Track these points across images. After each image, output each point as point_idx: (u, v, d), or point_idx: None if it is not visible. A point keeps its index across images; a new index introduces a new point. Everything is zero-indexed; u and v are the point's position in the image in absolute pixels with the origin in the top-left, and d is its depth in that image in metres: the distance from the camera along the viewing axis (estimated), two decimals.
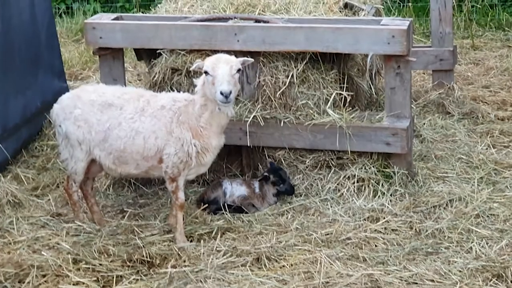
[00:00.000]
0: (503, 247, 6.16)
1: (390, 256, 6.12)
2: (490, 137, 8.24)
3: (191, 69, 6.26)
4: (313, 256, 6.09)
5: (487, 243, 6.22)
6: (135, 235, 6.57)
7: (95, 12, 14.76)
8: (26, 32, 8.36)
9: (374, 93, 7.71)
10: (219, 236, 6.52)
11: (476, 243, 6.22)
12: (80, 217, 6.78)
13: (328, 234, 6.49)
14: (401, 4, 13.55)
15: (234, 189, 7.01)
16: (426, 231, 6.47)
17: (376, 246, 6.31)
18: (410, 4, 13.39)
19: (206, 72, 6.08)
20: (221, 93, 5.94)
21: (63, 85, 9.08)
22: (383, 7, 8.37)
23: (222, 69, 6.02)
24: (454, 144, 8.04)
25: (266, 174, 7.04)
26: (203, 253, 6.25)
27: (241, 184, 7.04)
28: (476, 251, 6.12)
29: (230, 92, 5.93)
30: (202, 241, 6.48)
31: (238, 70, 6.13)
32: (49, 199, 7.36)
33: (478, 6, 13.67)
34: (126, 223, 6.79)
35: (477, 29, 12.82)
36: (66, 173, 6.74)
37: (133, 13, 14.20)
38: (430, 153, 7.76)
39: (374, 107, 7.99)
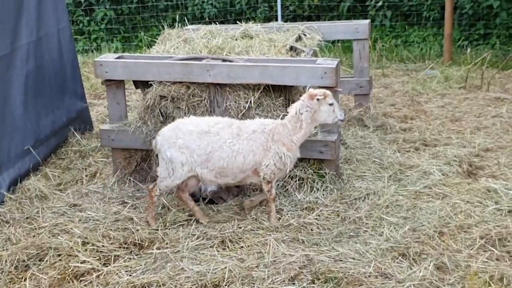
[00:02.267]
0: (406, 231, 5.54)
1: (322, 239, 5.50)
2: (396, 144, 7.62)
3: (317, 97, 5.63)
4: (264, 239, 5.48)
5: (394, 228, 5.60)
6: (131, 223, 5.92)
7: (117, 49, 14.22)
8: (55, 67, 7.67)
9: None
10: (194, 223, 5.87)
11: (386, 228, 5.61)
12: (151, 216, 5.93)
13: (279, 217, 5.86)
14: (333, 45, 12.95)
15: (208, 186, 6.33)
16: (349, 218, 5.84)
17: (312, 230, 5.68)
18: (339, 44, 12.85)
19: (332, 104, 5.71)
20: (344, 114, 5.89)
21: (83, 105, 8.36)
22: (318, 48, 7.73)
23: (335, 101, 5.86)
24: (370, 150, 7.39)
25: None
26: (182, 237, 5.62)
27: None
28: (386, 235, 5.50)
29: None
30: (181, 227, 5.83)
31: None
32: (68, 193, 6.67)
33: (387, 45, 13.21)
34: (125, 214, 6.11)
35: (386, 62, 12.21)
36: (158, 183, 5.88)
37: (143, 50, 13.60)
38: (352, 157, 7.12)
39: None
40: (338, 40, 12.96)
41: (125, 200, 6.45)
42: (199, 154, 5.67)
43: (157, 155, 6.04)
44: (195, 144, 5.67)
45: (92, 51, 14.31)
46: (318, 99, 5.66)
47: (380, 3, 13.84)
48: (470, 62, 11.19)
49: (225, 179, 5.78)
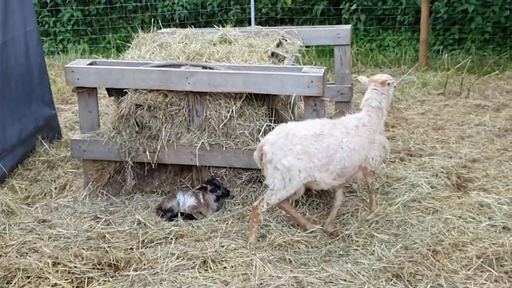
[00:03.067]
0: (398, 250, 5.23)
1: (311, 258, 5.16)
2: None
3: (388, 82, 5.70)
4: (249, 259, 5.11)
5: (386, 246, 5.29)
6: (105, 241, 5.52)
7: (84, 51, 13.72)
8: (21, 72, 7.20)
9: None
10: (173, 241, 5.48)
11: (377, 246, 5.29)
12: (254, 235, 5.43)
13: (260, 236, 5.51)
14: (307, 48, 12.65)
15: (186, 200, 5.98)
16: (338, 235, 5.51)
17: (299, 248, 5.33)
18: (313, 47, 12.57)
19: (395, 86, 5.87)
20: None
21: (52, 112, 7.89)
22: (300, 54, 7.40)
23: None
24: None
25: (203, 185, 6.03)
26: (160, 257, 5.22)
27: (190, 195, 6.02)
28: (378, 253, 5.18)
29: None
30: (159, 245, 5.44)
31: None
32: (37, 207, 6.24)
33: (362, 50, 12.98)
34: (98, 231, 5.70)
35: (361, 66, 11.95)
36: (268, 197, 5.38)
37: (111, 52, 13.15)
38: None
39: None
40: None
41: (98, 215, 6.06)
42: (320, 157, 5.33)
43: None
44: (315, 148, 5.31)
45: (58, 53, 13.83)
46: (389, 84, 5.69)
47: (354, 7, 13.61)
48: (447, 68, 11.01)
49: (341, 180, 5.53)
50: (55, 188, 6.62)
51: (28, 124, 7.27)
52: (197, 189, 6.06)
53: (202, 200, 6.00)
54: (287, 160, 5.24)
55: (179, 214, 5.91)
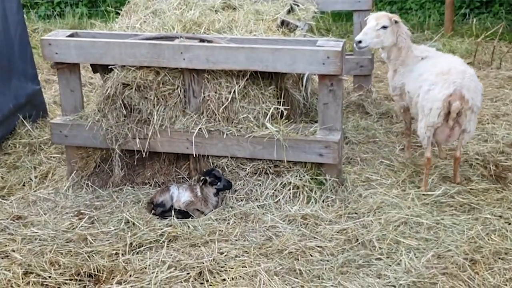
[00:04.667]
0: (429, 259, 4.46)
1: (325, 269, 4.41)
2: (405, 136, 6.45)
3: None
4: (253, 269, 4.38)
5: (415, 255, 4.51)
6: (86, 244, 4.78)
7: (82, 15, 12.85)
8: None
9: (307, 101, 5.95)
10: (165, 245, 4.73)
11: (404, 255, 4.52)
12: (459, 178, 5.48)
13: (266, 240, 4.76)
14: (323, 14, 11.69)
15: (180, 195, 5.23)
16: (357, 240, 4.72)
17: (311, 256, 4.57)
18: (329, 11, 11.59)
19: None
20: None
21: (36, 87, 7.06)
22: (314, 23, 6.53)
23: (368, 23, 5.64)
24: (375, 146, 6.25)
25: (202, 177, 5.22)
26: (149, 265, 4.50)
27: (186, 189, 5.26)
28: (405, 264, 4.42)
29: (359, 41, 5.61)
30: (149, 251, 4.69)
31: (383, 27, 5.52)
32: (12, 201, 5.51)
33: None
34: (79, 232, 4.95)
35: None
36: (463, 142, 5.36)
37: (112, 16, 12.27)
38: (355, 156, 5.97)
39: (306, 111, 6.21)
40: None
41: (82, 211, 5.32)
42: (480, 95, 5.31)
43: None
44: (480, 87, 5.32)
45: (55, 16, 12.97)
46: None
47: None
48: (476, 34, 10.07)
49: None
50: (36, 177, 5.88)
51: (6, 102, 6.48)
52: (197, 182, 5.30)
53: (199, 194, 5.23)
54: (479, 101, 5.18)
55: (172, 210, 5.15)
